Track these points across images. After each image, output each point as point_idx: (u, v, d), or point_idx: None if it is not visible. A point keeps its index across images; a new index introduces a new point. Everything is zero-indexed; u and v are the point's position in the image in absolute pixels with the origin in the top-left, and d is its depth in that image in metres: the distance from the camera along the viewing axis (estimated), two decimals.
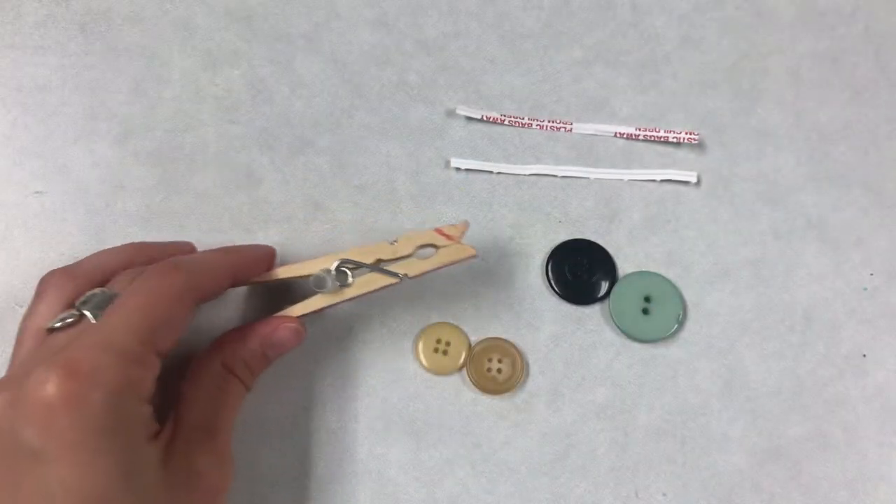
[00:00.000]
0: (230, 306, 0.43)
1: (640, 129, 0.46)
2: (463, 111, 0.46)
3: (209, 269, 0.36)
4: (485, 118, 0.46)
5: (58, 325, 0.33)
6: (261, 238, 0.44)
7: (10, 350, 0.42)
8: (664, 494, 0.42)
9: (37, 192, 0.44)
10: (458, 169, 0.45)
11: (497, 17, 0.48)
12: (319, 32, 0.47)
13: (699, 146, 0.46)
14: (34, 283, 0.43)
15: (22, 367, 0.32)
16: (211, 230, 0.44)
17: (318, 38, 0.47)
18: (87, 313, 0.33)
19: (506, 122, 0.46)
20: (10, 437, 0.29)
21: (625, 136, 0.46)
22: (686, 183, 0.46)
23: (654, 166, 0.46)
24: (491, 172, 0.45)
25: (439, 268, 0.40)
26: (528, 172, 0.45)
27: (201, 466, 0.34)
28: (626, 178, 0.46)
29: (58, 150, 0.45)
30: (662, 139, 0.46)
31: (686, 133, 0.46)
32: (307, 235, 0.44)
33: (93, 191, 0.44)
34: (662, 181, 0.46)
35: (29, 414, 0.29)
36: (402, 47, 0.47)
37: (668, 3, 0.49)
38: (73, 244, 0.44)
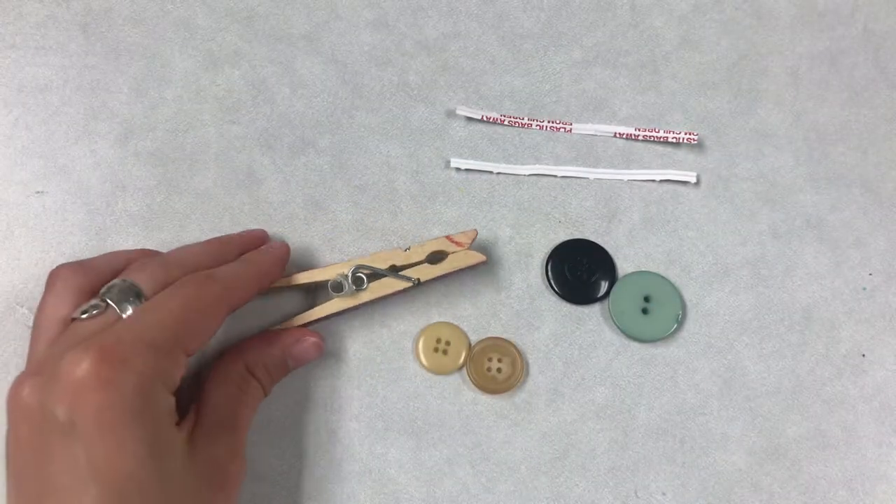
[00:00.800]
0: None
1: (639, 130, 0.46)
2: (463, 111, 0.46)
3: (241, 282, 0.37)
4: (484, 118, 0.46)
5: (83, 315, 0.34)
6: None
7: (10, 349, 0.42)
8: (663, 494, 0.42)
9: (38, 192, 0.44)
10: (458, 169, 0.46)
11: (497, 18, 0.48)
12: (320, 33, 0.48)
13: (698, 146, 0.46)
14: (35, 282, 0.43)
15: (50, 352, 0.33)
16: (212, 230, 0.44)
17: (318, 38, 0.47)
18: (112, 303, 0.34)
19: (505, 123, 0.46)
20: (42, 416, 0.31)
21: (624, 136, 0.46)
22: (685, 183, 0.46)
23: (653, 166, 0.46)
24: (491, 172, 0.46)
25: (450, 273, 0.42)
26: (527, 173, 0.46)
27: (220, 458, 0.35)
28: (625, 178, 0.46)
29: (59, 150, 0.45)
30: (662, 139, 0.46)
31: (685, 133, 0.46)
32: (307, 235, 0.44)
33: (94, 191, 0.44)
34: (662, 181, 0.46)
35: (62, 393, 0.30)
36: (402, 47, 0.48)
37: (668, 3, 0.49)
38: (75, 244, 0.44)
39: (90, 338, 0.32)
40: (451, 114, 0.46)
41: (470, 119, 0.46)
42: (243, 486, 0.41)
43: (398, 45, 0.48)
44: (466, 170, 0.46)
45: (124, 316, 0.34)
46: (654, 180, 0.46)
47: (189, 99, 0.46)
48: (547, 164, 0.46)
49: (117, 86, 0.46)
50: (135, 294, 0.35)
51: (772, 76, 0.48)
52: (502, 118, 0.46)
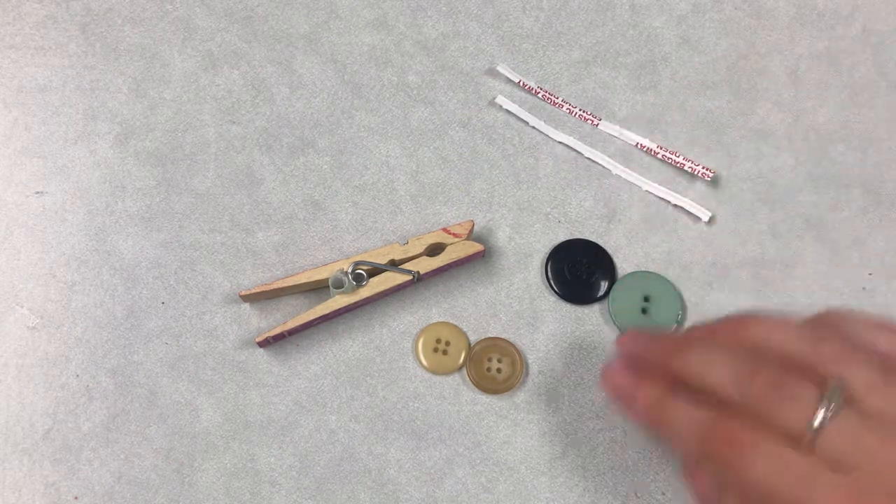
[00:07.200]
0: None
1: (660, 148, 0.46)
2: (504, 70, 0.46)
3: None
4: (521, 84, 0.46)
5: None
6: (260, 238, 0.44)
7: (10, 349, 0.42)
8: (663, 494, 0.42)
9: (37, 193, 0.44)
10: (500, 108, 0.46)
11: (496, 18, 0.48)
12: (319, 33, 0.48)
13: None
14: (35, 282, 0.43)
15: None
16: (211, 230, 0.44)
17: (318, 38, 0.47)
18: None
19: (539, 95, 0.46)
20: None
21: (644, 148, 0.46)
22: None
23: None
24: (527, 123, 0.46)
25: (449, 265, 0.42)
26: (559, 139, 0.45)
27: None
28: (643, 186, 0.45)
29: (58, 150, 0.45)
30: (678, 165, 0.45)
31: (703, 167, 0.45)
32: (307, 235, 0.44)
33: (93, 191, 0.45)
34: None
35: None
36: (402, 47, 0.48)
37: (667, 3, 0.49)
38: (74, 244, 0.44)
39: None
40: (488, 72, 0.46)
41: (498, 106, 0.46)
42: (244, 486, 0.41)
43: (398, 45, 0.48)
44: (507, 112, 0.46)
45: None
46: (668, 201, 0.45)
47: (188, 99, 0.46)
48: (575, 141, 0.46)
49: (117, 86, 0.46)
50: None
51: (771, 76, 0.48)
52: (537, 90, 0.46)
